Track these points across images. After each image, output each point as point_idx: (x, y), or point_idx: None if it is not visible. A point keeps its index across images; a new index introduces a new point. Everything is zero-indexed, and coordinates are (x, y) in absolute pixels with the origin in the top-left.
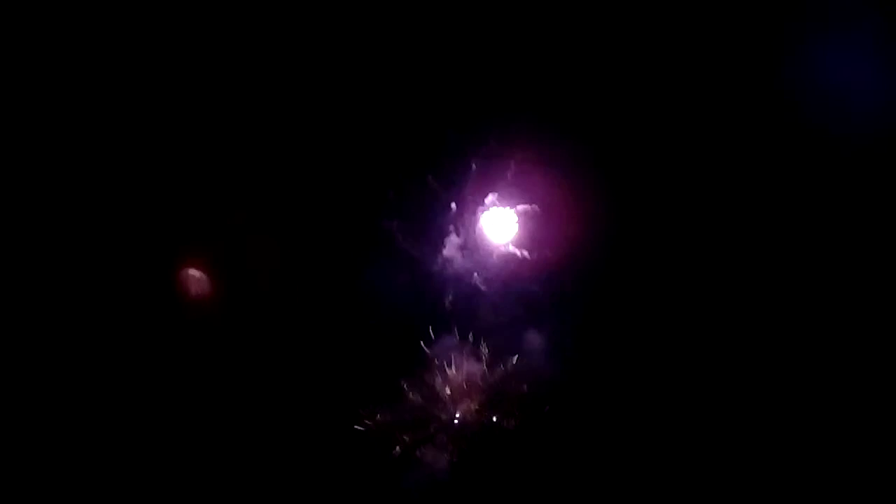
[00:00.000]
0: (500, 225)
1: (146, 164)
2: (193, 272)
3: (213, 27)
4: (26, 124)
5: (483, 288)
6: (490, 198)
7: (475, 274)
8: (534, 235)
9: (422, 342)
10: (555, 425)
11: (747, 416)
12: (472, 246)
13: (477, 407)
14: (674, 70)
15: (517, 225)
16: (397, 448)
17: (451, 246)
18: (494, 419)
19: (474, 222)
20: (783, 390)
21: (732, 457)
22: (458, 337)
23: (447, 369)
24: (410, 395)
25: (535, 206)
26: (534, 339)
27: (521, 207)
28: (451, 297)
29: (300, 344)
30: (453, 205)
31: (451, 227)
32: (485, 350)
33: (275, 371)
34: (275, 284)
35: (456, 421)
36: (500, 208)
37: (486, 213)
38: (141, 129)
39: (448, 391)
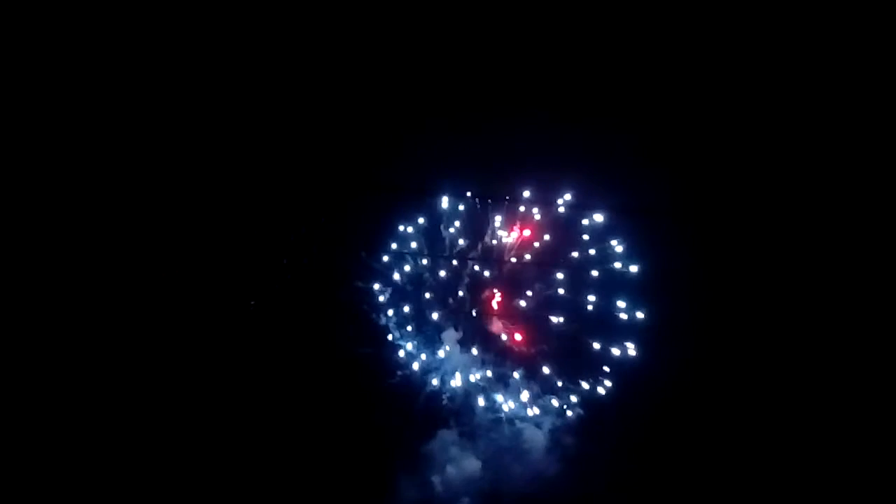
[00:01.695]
0: (497, 319)
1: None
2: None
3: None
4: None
5: (479, 382)
6: (487, 293)
7: (472, 367)
8: (530, 331)
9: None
10: None
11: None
12: (469, 340)
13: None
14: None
15: (514, 319)
16: None
17: (449, 340)
18: None
19: (472, 317)
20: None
21: None
22: (455, 432)
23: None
24: (406, 491)
25: (532, 301)
26: (532, 435)
27: (517, 302)
28: (448, 393)
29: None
30: (451, 300)
31: (450, 323)
32: (481, 446)
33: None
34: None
35: None
36: (497, 303)
37: (483, 308)
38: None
39: (445, 486)
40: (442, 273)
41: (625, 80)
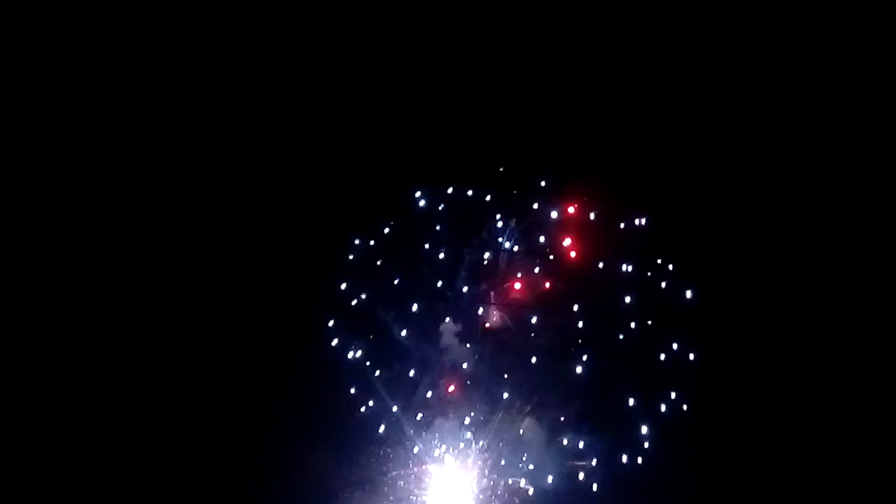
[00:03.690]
0: (495, 313)
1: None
2: None
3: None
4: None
5: (480, 375)
6: (485, 287)
7: (472, 362)
8: (528, 324)
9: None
10: None
11: None
12: (468, 333)
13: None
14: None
15: (511, 314)
16: None
17: (448, 334)
18: None
19: (471, 310)
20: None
21: None
22: (454, 425)
23: (443, 459)
24: (404, 483)
25: (530, 296)
26: (530, 428)
27: (515, 297)
28: (448, 385)
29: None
30: (449, 293)
31: (448, 315)
32: (481, 441)
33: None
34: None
35: None
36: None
37: (482, 302)
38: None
39: (443, 481)
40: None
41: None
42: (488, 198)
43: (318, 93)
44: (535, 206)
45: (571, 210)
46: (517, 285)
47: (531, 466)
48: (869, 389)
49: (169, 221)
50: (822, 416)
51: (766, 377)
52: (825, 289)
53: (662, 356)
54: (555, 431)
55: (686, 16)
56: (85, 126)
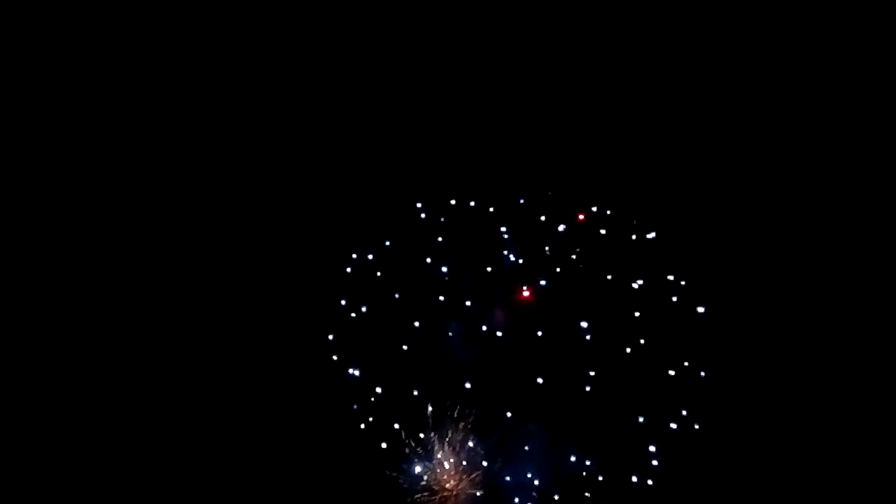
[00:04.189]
0: (500, 316)
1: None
2: None
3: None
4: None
5: (484, 374)
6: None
7: (477, 360)
8: (535, 325)
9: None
10: None
11: None
12: (473, 336)
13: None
14: None
15: (517, 315)
16: None
17: (454, 335)
18: None
19: (476, 315)
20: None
21: None
22: (457, 426)
23: (443, 461)
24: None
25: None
26: (535, 430)
27: (523, 295)
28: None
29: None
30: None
31: (454, 318)
32: (482, 442)
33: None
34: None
35: None
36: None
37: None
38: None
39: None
40: None
41: None
42: (492, 209)
43: (317, 102)
44: (543, 217)
45: (581, 217)
46: (525, 293)
47: (536, 483)
48: (881, 401)
49: (166, 233)
50: (833, 430)
51: (778, 393)
52: (839, 303)
53: (672, 372)
54: (561, 448)
55: (696, 29)
56: (88, 135)
